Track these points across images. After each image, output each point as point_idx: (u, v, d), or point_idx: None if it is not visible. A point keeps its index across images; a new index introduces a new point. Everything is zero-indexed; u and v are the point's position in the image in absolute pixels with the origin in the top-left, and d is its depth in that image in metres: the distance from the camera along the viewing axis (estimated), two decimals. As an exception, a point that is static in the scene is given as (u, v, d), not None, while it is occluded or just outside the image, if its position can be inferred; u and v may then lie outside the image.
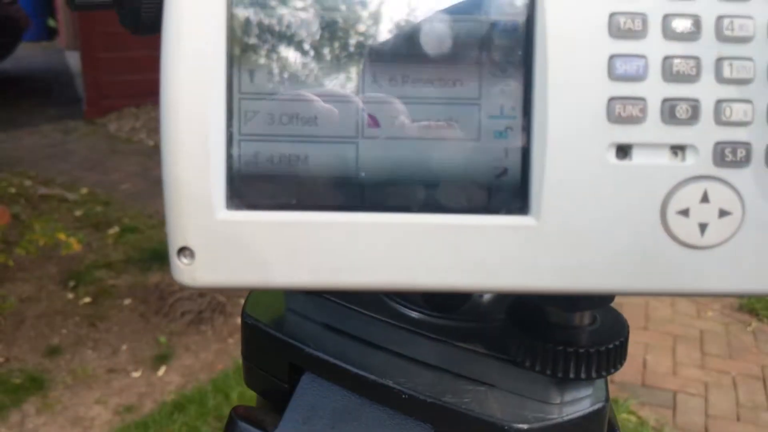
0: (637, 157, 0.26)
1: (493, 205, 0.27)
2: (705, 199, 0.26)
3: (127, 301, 2.22)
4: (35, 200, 2.93)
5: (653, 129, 0.26)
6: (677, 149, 0.26)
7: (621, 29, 0.26)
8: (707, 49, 0.26)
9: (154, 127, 3.71)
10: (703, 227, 0.27)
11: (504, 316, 0.35)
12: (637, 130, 0.26)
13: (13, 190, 2.99)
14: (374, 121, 0.27)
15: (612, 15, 0.26)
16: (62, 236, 2.26)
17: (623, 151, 0.26)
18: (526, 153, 0.26)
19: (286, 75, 0.27)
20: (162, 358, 1.96)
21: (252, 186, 0.27)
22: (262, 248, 0.27)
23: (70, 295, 2.25)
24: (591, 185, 0.26)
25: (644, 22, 0.26)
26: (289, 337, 0.40)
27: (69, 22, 4.50)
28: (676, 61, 0.26)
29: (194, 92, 0.26)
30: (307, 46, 0.27)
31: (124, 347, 2.01)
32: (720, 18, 0.26)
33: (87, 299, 2.23)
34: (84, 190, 3.04)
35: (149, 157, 3.43)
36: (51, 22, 5.42)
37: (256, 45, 0.27)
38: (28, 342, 2.03)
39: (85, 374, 1.89)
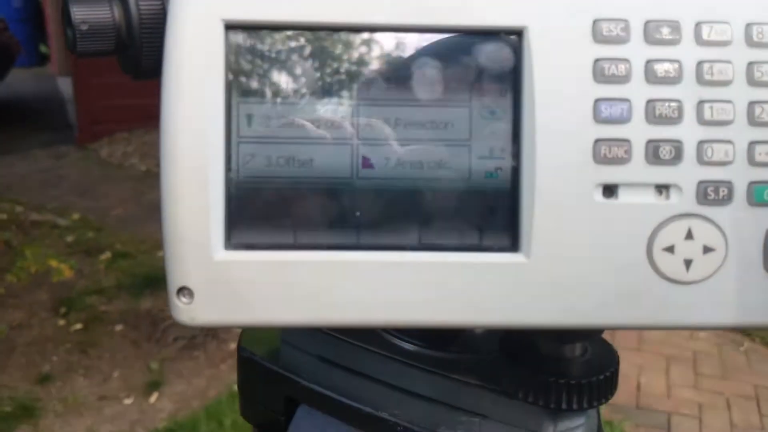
0: (624, 196, 0.27)
1: (485, 243, 0.28)
2: (689, 236, 0.27)
3: (118, 327, 2.21)
4: (26, 226, 2.91)
5: (638, 169, 0.27)
6: (662, 188, 0.27)
7: (605, 74, 0.27)
8: (689, 92, 0.27)
9: (145, 152, 3.71)
10: (688, 263, 0.27)
11: (497, 348, 0.36)
12: (622, 170, 0.27)
13: (4, 216, 2.97)
14: (368, 163, 0.28)
15: (596, 61, 0.27)
16: (54, 263, 2.25)
17: (610, 190, 0.27)
18: (515, 192, 0.27)
19: (282, 120, 0.28)
20: (154, 385, 1.94)
21: (249, 227, 0.28)
22: (260, 288, 0.28)
23: (62, 322, 2.23)
24: (579, 223, 0.27)
25: (627, 67, 0.27)
26: (285, 370, 0.40)
27: (61, 48, 4.52)
28: (659, 104, 0.27)
29: (193, 136, 0.27)
30: (303, 92, 0.28)
31: (116, 374, 1.99)
32: (700, 63, 0.27)
33: (78, 326, 2.21)
34: (76, 216, 3.03)
35: (141, 182, 3.43)
36: (43, 48, 5.44)
37: (254, 91, 0.28)
38: (19, 369, 2.01)
39: (77, 402, 1.88)
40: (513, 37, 0.27)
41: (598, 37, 0.27)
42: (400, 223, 0.28)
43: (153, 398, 1.90)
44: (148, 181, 3.40)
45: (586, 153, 0.27)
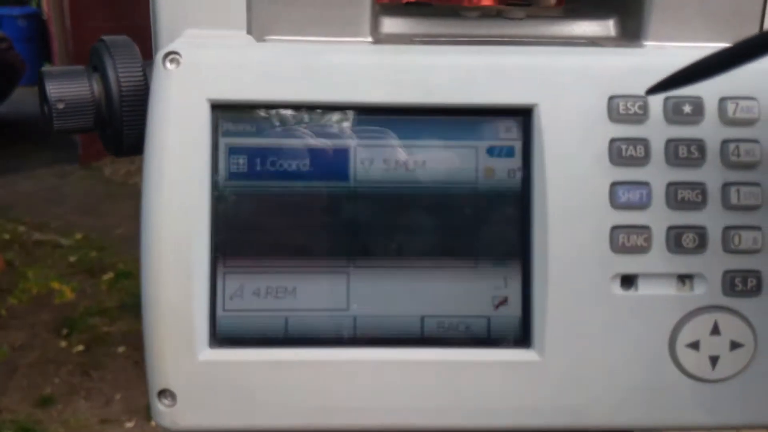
0: (644, 288, 0.25)
1: (493, 337, 0.26)
2: (715, 330, 0.25)
3: (121, 349, 2.20)
4: (29, 246, 2.91)
5: (659, 258, 0.25)
6: (685, 279, 0.26)
7: (622, 156, 0.25)
8: (713, 175, 0.25)
9: (149, 170, 3.71)
10: (714, 360, 0.26)
11: None
12: (642, 259, 0.25)
13: (7, 236, 2.97)
14: (366, 249, 0.26)
15: (613, 141, 0.25)
16: (56, 285, 2.24)
17: (628, 281, 0.26)
18: (527, 282, 0.26)
19: (274, 203, 0.26)
20: (156, 409, 1.93)
21: (237, 319, 0.26)
22: (248, 389, 0.26)
23: (63, 343, 2.23)
24: (596, 317, 0.25)
25: (646, 148, 0.25)
26: None
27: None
28: (681, 188, 0.25)
29: (177, 221, 0.25)
30: (294, 176, 0.26)
31: (118, 396, 1.98)
32: (725, 142, 0.25)
33: (80, 347, 2.21)
34: (78, 235, 3.03)
35: (145, 200, 3.41)
36: (47, 67, 5.47)
37: (242, 174, 0.26)
38: (20, 392, 2.00)
39: (78, 425, 1.86)
40: (522, 116, 0.26)
41: (615, 115, 0.25)
42: (401, 316, 0.26)
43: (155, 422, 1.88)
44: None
45: (603, 241, 0.25)
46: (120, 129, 0.29)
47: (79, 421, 1.88)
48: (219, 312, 0.26)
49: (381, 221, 0.26)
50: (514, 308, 0.26)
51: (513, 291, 0.26)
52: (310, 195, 0.26)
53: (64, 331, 2.28)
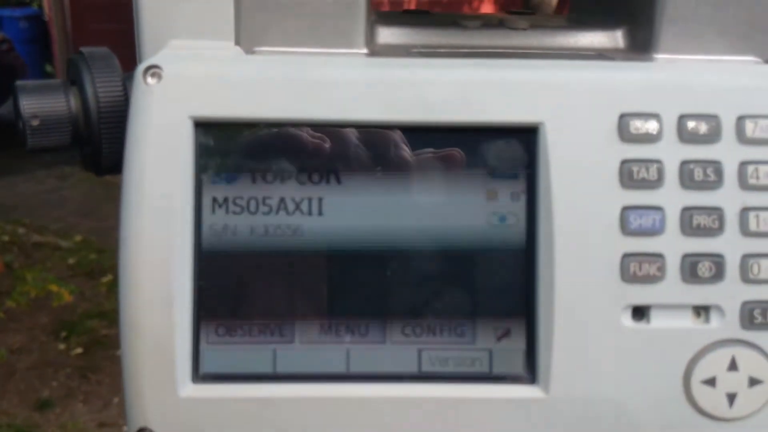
0: (656, 320, 0.24)
1: (495, 372, 0.24)
2: (733, 366, 0.24)
3: (119, 352, 2.19)
4: (28, 248, 2.90)
5: (673, 289, 0.24)
6: (700, 310, 0.24)
7: (634, 178, 0.24)
8: (730, 198, 0.24)
9: (150, 172, 3.71)
10: (731, 398, 0.24)
11: None
12: (654, 290, 0.24)
13: (6, 237, 2.97)
14: (359, 268, 0.25)
15: (624, 162, 0.24)
16: (55, 287, 2.24)
17: (640, 313, 0.24)
18: (530, 313, 0.24)
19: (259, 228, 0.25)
20: (154, 414, 1.92)
21: (221, 351, 0.24)
22: (233, 428, 0.24)
23: (62, 346, 2.22)
24: (605, 351, 0.24)
25: (659, 170, 0.24)
26: None
27: (66, 69, 4.54)
28: (696, 212, 0.23)
29: (157, 247, 0.24)
30: (279, 197, 0.25)
31: (116, 400, 1.97)
32: (743, 164, 0.24)
33: (79, 350, 2.20)
34: (78, 238, 3.02)
35: (145, 202, 3.41)
36: (48, 68, 5.45)
37: (226, 199, 0.25)
38: (18, 395, 2.00)
39: (76, 428, 1.86)
40: (527, 135, 0.24)
41: (626, 134, 0.24)
42: (398, 344, 0.24)
43: (153, 427, 1.88)
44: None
45: (613, 270, 0.24)
46: (99, 147, 0.27)
47: (77, 425, 1.87)
48: (203, 344, 0.24)
49: (378, 239, 0.25)
50: (517, 341, 0.24)
51: (517, 323, 0.24)
52: (300, 215, 0.25)
53: (63, 334, 2.28)
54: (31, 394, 2.00)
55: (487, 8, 3.75)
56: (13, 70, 4.35)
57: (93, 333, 2.29)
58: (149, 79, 0.25)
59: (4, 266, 2.65)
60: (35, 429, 1.86)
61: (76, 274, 2.69)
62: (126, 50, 0.33)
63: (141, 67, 0.25)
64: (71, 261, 2.81)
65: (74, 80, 0.28)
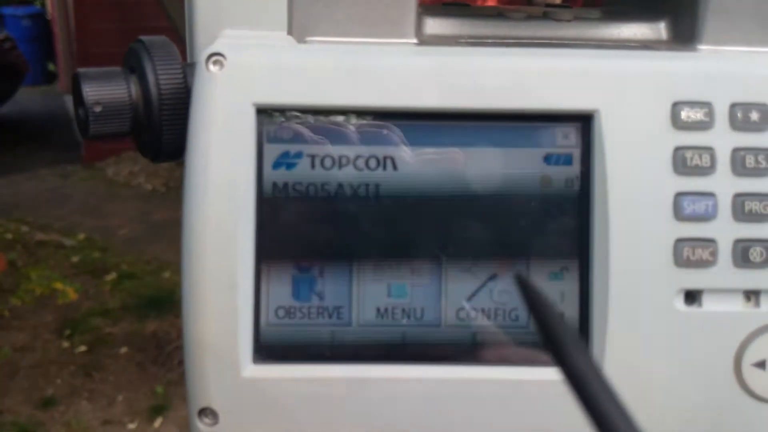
0: (708, 304, 0.24)
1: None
2: None
3: (123, 350, 2.19)
4: (32, 246, 2.90)
5: (725, 273, 0.24)
6: (751, 295, 0.24)
7: (687, 165, 0.24)
8: None
9: (152, 171, 3.69)
10: None
11: None
12: (707, 274, 0.24)
13: (9, 236, 2.96)
14: (417, 255, 0.25)
15: (677, 149, 0.24)
16: (58, 285, 2.24)
17: (692, 297, 0.25)
18: (584, 297, 0.24)
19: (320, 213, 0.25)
20: (158, 409, 1.92)
21: (282, 332, 0.25)
22: (294, 407, 0.24)
23: (66, 344, 2.22)
24: (658, 334, 0.24)
25: (712, 156, 0.24)
26: None
27: (68, 67, 4.53)
28: (748, 199, 0.24)
29: (221, 231, 0.24)
30: (342, 184, 0.25)
31: (120, 398, 1.97)
32: None
33: (82, 348, 2.20)
34: (81, 236, 3.02)
35: (147, 202, 3.41)
36: (51, 67, 5.45)
37: (287, 174, 0.25)
38: (22, 393, 1.99)
39: (80, 426, 1.85)
40: (582, 122, 0.25)
41: (679, 122, 0.24)
42: (453, 327, 0.25)
43: (157, 423, 1.88)
44: (155, 200, 3.39)
45: (666, 254, 0.24)
46: (159, 133, 0.28)
47: (81, 423, 1.87)
48: (263, 326, 0.25)
49: (433, 228, 0.25)
50: (570, 324, 0.25)
51: (570, 306, 0.25)
52: (357, 200, 0.25)
53: (67, 332, 2.27)
54: (35, 392, 1.99)
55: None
56: (16, 68, 4.35)
57: (97, 331, 2.28)
58: (212, 67, 0.25)
59: (7, 264, 2.65)
60: (39, 427, 1.85)
61: (80, 272, 2.69)
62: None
63: (204, 55, 0.26)
64: (75, 259, 2.80)
65: (133, 68, 0.29)
